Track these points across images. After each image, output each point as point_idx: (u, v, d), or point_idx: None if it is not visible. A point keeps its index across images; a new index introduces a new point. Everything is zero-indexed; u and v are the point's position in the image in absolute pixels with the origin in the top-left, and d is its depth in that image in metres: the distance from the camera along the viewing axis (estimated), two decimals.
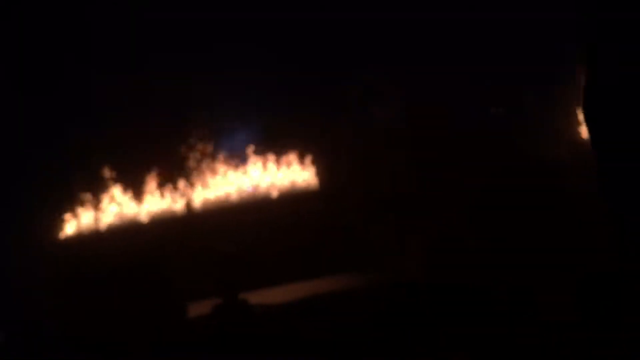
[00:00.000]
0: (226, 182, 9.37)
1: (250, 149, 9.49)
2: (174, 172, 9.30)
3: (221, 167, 9.45)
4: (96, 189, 8.99)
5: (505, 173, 8.03)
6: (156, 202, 9.15)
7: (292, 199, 9.12)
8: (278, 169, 9.46)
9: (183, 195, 9.22)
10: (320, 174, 9.40)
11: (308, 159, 9.45)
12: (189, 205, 9.15)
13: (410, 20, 9.07)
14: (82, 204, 8.89)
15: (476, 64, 9.12)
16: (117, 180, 9.09)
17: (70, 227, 8.75)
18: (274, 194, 9.25)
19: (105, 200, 9.02)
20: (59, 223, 8.65)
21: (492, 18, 8.86)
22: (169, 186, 9.24)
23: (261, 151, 9.51)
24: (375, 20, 9.17)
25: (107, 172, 9.08)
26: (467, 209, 7.84)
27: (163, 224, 9.02)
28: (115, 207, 9.01)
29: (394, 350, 5.09)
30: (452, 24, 8.99)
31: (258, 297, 6.93)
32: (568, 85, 8.96)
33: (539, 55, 8.99)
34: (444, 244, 6.69)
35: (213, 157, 9.45)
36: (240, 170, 9.46)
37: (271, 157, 9.47)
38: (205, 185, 9.35)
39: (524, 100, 9.13)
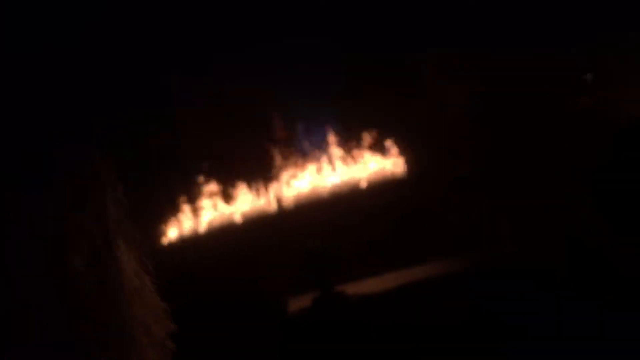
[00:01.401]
0: (313, 176, 9.54)
1: (333, 141, 9.61)
2: (262, 171, 9.53)
3: (307, 162, 9.62)
4: (190, 194, 9.35)
5: (599, 143, 7.78)
6: (248, 202, 9.43)
7: (380, 188, 9.18)
8: (362, 159, 9.54)
9: (273, 192, 9.45)
10: (405, 159, 9.41)
11: (391, 146, 9.48)
12: (280, 202, 9.38)
13: None
14: (179, 209, 9.27)
15: (557, 30, 8.83)
16: (209, 183, 9.42)
17: (170, 233, 9.16)
18: (362, 184, 9.34)
19: (200, 204, 9.37)
20: (159, 230, 9.05)
21: None
22: (259, 185, 9.50)
23: (344, 142, 9.61)
24: None
25: (199, 176, 9.42)
26: (560, 183, 7.66)
27: (257, 222, 9.28)
28: (210, 210, 9.35)
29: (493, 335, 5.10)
30: None
31: (355, 288, 7.07)
32: None
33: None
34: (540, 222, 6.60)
35: (298, 152, 9.63)
36: (325, 163, 9.60)
37: (354, 148, 9.55)
38: (293, 181, 9.55)
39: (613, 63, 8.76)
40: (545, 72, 8.69)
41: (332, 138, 9.62)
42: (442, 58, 9.21)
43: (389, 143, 9.50)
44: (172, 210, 9.21)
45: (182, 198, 9.28)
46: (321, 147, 9.70)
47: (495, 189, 8.02)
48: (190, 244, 8.97)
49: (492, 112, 8.89)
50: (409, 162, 9.33)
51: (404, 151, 9.43)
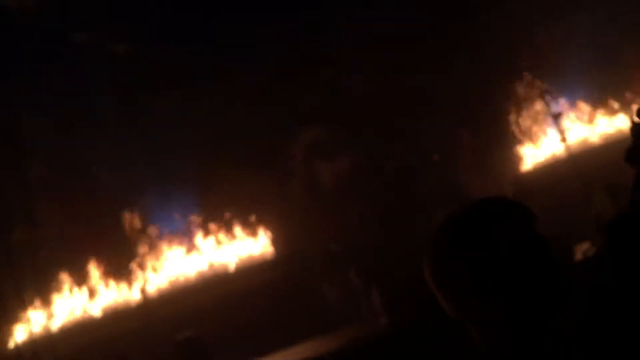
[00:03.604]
0: (179, 264, 9.08)
1: (200, 226, 9.28)
2: (123, 262, 8.95)
3: (172, 249, 9.18)
4: (44, 290, 8.54)
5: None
6: (109, 295, 8.76)
7: (250, 270, 8.89)
8: (231, 241, 9.26)
9: (136, 283, 8.86)
10: (274, 240, 9.24)
11: (260, 227, 9.30)
12: (144, 293, 8.78)
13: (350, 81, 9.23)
14: (30, 307, 8.40)
15: (413, 113, 9.28)
16: (64, 278, 8.68)
17: (21, 333, 8.22)
18: (231, 268, 9.02)
19: (55, 300, 8.56)
20: (8, 330, 8.11)
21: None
22: (121, 276, 8.88)
23: (212, 226, 9.30)
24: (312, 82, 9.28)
25: (54, 272, 8.67)
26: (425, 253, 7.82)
27: (120, 315, 8.60)
28: (67, 306, 8.56)
29: None
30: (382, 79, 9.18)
31: None
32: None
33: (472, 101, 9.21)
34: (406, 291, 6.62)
35: (161, 240, 9.18)
36: (193, 249, 9.21)
37: (222, 231, 9.27)
38: (158, 270, 9.03)
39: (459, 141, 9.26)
40: (403, 150, 9.04)
41: (198, 223, 9.30)
42: (311, 138, 9.32)
43: (257, 225, 9.32)
44: (22, 307, 8.30)
45: (33, 293, 8.41)
46: (186, 232, 9.32)
47: (366, 262, 8.01)
48: (44, 343, 8.06)
49: (359, 186, 9.03)
50: (278, 243, 9.16)
51: (272, 232, 9.27)
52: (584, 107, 9.89)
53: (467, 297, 1.66)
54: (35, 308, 8.34)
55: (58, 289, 8.57)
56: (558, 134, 8.66)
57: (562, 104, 9.44)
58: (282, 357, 6.97)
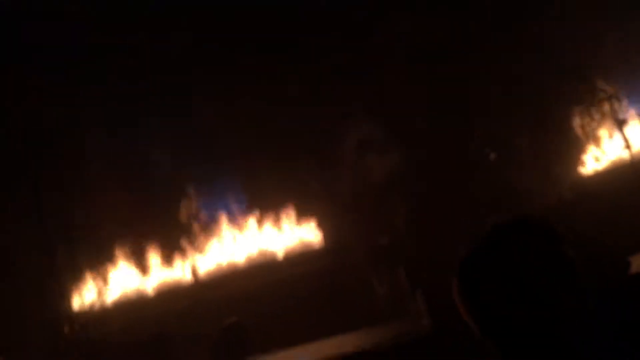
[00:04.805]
0: (231, 248, 9.27)
1: (251, 211, 9.42)
2: (177, 242, 9.20)
3: (224, 233, 9.36)
4: (100, 265, 8.89)
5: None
6: (161, 274, 9.03)
7: (299, 259, 8.99)
8: (281, 229, 9.37)
9: (188, 264, 9.10)
10: (324, 230, 9.29)
11: (310, 216, 9.37)
12: (195, 274, 9.02)
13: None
14: (86, 281, 8.77)
15: (470, 109, 9.12)
16: (120, 254, 9.00)
17: (76, 305, 8.60)
18: (280, 255, 9.14)
19: (109, 275, 8.90)
20: (65, 302, 8.50)
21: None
22: (174, 256, 9.14)
23: (262, 212, 9.42)
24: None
25: (110, 247, 9.00)
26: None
27: (171, 295, 8.87)
28: (121, 282, 8.89)
29: None
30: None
31: None
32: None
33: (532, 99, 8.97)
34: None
35: (214, 223, 9.37)
36: (244, 233, 9.38)
37: (273, 218, 9.38)
38: (210, 253, 9.25)
39: (517, 143, 9.04)
40: (457, 145, 8.89)
41: (249, 209, 9.43)
42: (364, 130, 9.30)
43: (309, 213, 9.39)
44: (79, 283, 8.68)
45: (91, 271, 8.77)
46: (238, 217, 9.48)
47: (412, 259, 7.97)
48: (98, 318, 8.43)
49: (411, 183, 8.96)
50: (327, 232, 9.22)
51: (322, 221, 9.32)
52: None
53: (491, 326, 1.68)
54: (90, 282, 8.71)
55: (114, 266, 8.91)
56: (623, 140, 8.37)
57: (629, 108, 9.09)
58: (317, 347, 7.05)
